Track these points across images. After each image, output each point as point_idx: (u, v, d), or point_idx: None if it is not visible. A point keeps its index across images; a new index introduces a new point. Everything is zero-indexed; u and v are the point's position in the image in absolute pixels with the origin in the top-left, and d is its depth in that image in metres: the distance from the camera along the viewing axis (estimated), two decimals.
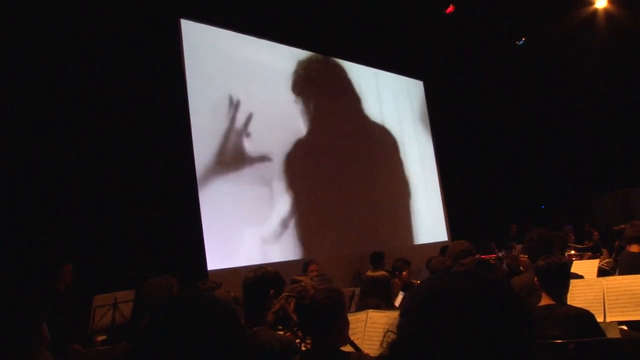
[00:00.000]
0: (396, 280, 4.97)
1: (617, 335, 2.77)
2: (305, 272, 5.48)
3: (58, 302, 4.41)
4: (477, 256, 4.73)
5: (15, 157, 5.07)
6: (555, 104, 11.61)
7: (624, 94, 10.85)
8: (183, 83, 6.56)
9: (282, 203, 7.49)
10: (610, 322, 3.17)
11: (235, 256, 6.65)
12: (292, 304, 2.12)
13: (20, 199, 5.02)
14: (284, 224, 7.44)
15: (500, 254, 6.45)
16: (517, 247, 6.16)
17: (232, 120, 7.11)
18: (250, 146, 7.24)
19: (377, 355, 2.00)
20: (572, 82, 10.99)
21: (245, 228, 6.89)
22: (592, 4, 9.77)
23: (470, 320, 0.80)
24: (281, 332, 2.43)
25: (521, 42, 10.36)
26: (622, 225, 6.32)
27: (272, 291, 2.59)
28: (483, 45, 9.94)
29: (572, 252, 6.24)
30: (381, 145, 9.44)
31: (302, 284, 2.16)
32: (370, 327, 2.91)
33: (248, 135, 7.25)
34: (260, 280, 2.63)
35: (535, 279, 3.01)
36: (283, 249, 7.31)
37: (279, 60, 8.02)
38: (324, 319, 2.03)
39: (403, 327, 0.85)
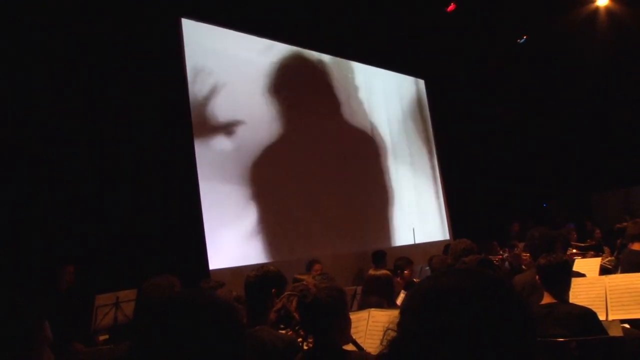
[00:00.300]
0: (398, 279, 4.96)
1: (619, 333, 2.77)
2: (309, 271, 5.48)
3: (60, 302, 4.42)
4: (480, 255, 4.72)
5: (17, 158, 5.08)
6: (556, 102, 11.59)
7: (625, 92, 10.82)
8: (184, 82, 6.57)
9: (284, 202, 7.49)
10: (613, 320, 3.17)
11: (237, 255, 6.65)
12: (294, 303, 2.12)
13: (22, 199, 5.03)
14: (286, 223, 7.44)
15: (502, 254, 6.45)
16: (520, 245, 6.16)
17: (234, 119, 7.11)
18: (252, 145, 7.24)
19: (377, 354, 2.01)
20: (573, 80, 10.97)
21: (246, 227, 6.89)
22: (593, 2, 9.75)
23: (471, 318, 0.79)
24: (283, 331, 2.43)
25: (522, 41, 10.34)
26: (625, 224, 6.31)
27: (274, 290, 2.59)
28: (484, 43, 9.93)
29: (574, 250, 6.24)
30: (381, 145, 9.43)
31: (304, 282, 2.15)
32: (373, 325, 2.91)
33: (250, 134, 7.24)
34: (262, 279, 2.63)
35: (537, 277, 3.00)
36: (285, 248, 7.31)
37: (279, 59, 8.02)
38: (326, 318, 2.03)
39: (403, 325, 0.85)
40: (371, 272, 4.01)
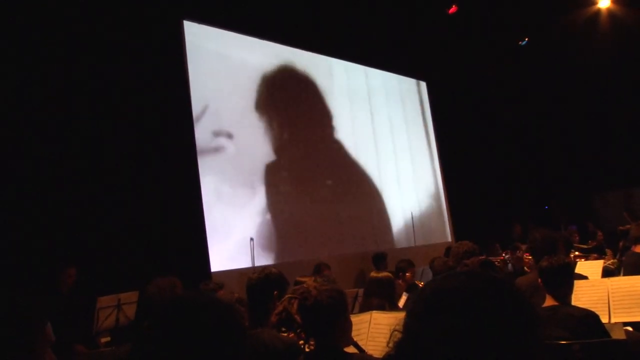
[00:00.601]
0: (399, 281, 4.96)
1: (622, 336, 2.76)
2: (318, 275, 5.45)
3: (62, 304, 4.42)
4: (482, 257, 4.72)
5: (18, 159, 5.08)
6: (558, 104, 11.58)
7: (627, 94, 10.81)
8: (186, 84, 6.58)
9: (287, 204, 7.49)
10: (615, 322, 3.16)
11: (239, 257, 6.65)
12: (295, 305, 2.12)
13: (24, 200, 5.03)
14: (288, 225, 7.44)
15: (505, 255, 6.44)
16: (522, 247, 6.14)
17: (235, 121, 7.12)
18: (254, 147, 7.25)
19: (382, 355, 2.00)
20: (575, 82, 10.96)
21: (248, 229, 6.89)
22: (595, 3, 9.75)
23: (477, 319, 0.80)
24: (285, 334, 2.43)
25: (524, 43, 10.34)
26: (627, 226, 6.30)
27: (275, 292, 2.59)
28: (486, 45, 9.92)
29: (577, 252, 6.22)
30: (382, 147, 9.43)
31: (305, 285, 2.15)
32: (374, 328, 2.91)
33: (252, 136, 7.25)
34: (264, 281, 2.63)
35: (539, 279, 2.99)
36: (287, 250, 7.30)
37: (281, 61, 8.02)
38: (327, 320, 2.03)
39: (409, 326, 0.85)
40: (373, 274, 4.01)
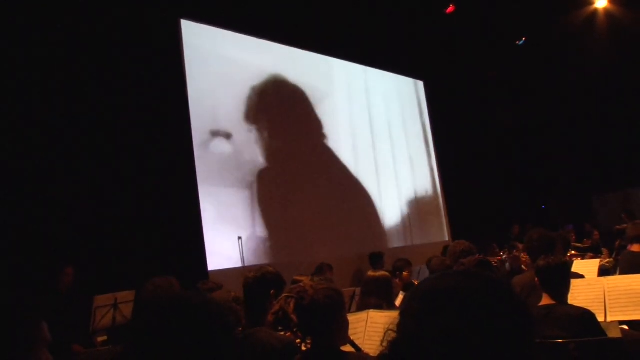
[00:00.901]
0: (397, 280, 4.96)
1: (618, 335, 2.77)
2: (320, 274, 5.45)
3: (59, 303, 4.41)
4: (478, 256, 4.72)
5: (16, 158, 5.07)
6: (555, 104, 11.60)
7: (624, 94, 10.83)
8: (183, 83, 6.57)
9: (284, 204, 7.49)
10: (611, 321, 3.16)
11: (236, 257, 6.64)
12: (291, 305, 2.12)
13: (21, 199, 5.02)
14: (286, 225, 7.44)
15: (502, 255, 6.45)
16: (520, 246, 6.15)
17: (233, 121, 7.11)
18: (251, 147, 7.24)
19: (377, 355, 2.01)
20: (572, 82, 10.98)
21: (246, 229, 6.89)
22: (592, 3, 9.77)
23: (470, 319, 0.80)
24: (281, 333, 2.43)
25: (521, 42, 10.36)
26: (624, 225, 6.32)
27: (272, 291, 2.59)
28: (483, 45, 9.93)
29: (573, 252, 6.24)
30: (380, 147, 9.43)
31: (302, 284, 2.15)
32: (371, 327, 2.91)
33: (249, 136, 7.25)
34: (261, 280, 2.63)
35: (536, 278, 3.00)
36: (284, 250, 7.30)
37: (279, 60, 8.02)
38: (324, 319, 2.03)
39: (403, 326, 0.85)
40: (370, 273, 4.01)
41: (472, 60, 10.23)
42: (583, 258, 5.90)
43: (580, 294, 3.39)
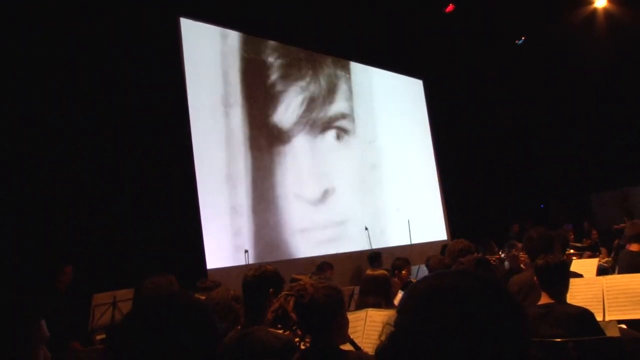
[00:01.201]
0: (395, 279, 4.96)
1: (617, 333, 2.77)
2: (321, 273, 5.45)
3: (58, 301, 4.41)
4: (477, 255, 4.72)
5: (16, 157, 5.07)
6: (554, 103, 11.61)
7: (623, 93, 10.84)
8: (182, 81, 6.56)
9: (284, 203, 7.49)
10: (610, 320, 3.17)
11: (235, 255, 6.64)
12: (291, 303, 2.12)
13: (21, 199, 5.01)
14: (285, 223, 7.44)
15: (501, 254, 6.45)
16: (519, 245, 6.15)
17: (232, 118, 7.11)
18: (249, 145, 7.24)
19: (375, 348, 2.02)
20: (571, 81, 10.98)
21: (244, 227, 6.89)
22: (591, 3, 9.77)
23: (466, 317, 0.81)
24: (280, 331, 2.43)
25: (520, 42, 10.36)
26: (622, 225, 6.33)
27: (271, 290, 2.59)
28: (483, 44, 9.93)
29: (572, 251, 6.24)
30: (379, 145, 9.43)
31: (302, 282, 2.15)
32: (370, 325, 2.91)
33: (247, 134, 7.24)
34: (260, 279, 2.62)
35: (535, 277, 3.00)
36: (282, 248, 7.30)
37: (278, 58, 8.01)
38: (323, 318, 2.03)
39: (400, 322, 0.86)
40: (369, 272, 4.01)
41: (471, 59, 10.23)
42: (581, 257, 5.91)
43: (578, 293, 3.39)
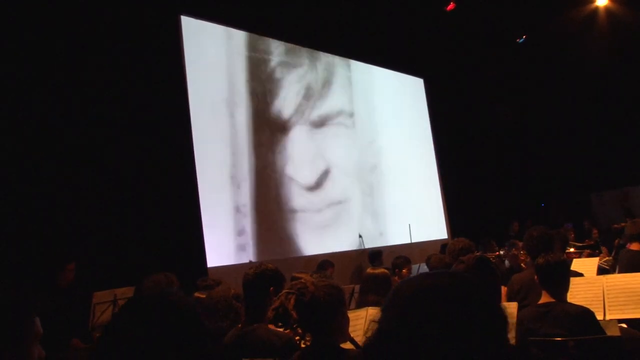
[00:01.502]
0: (396, 277, 4.96)
1: (617, 333, 2.77)
2: (322, 272, 5.45)
3: (59, 299, 4.41)
4: (477, 253, 4.72)
5: (17, 156, 5.06)
6: (555, 102, 11.60)
7: (624, 92, 10.83)
8: (183, 80, 6.55)
9: (284, 201, 7.49)
10: (610, 319, 3.17)
11: (235, 253, 6.65)
12: (292, 301, 2.12)
13: (23, 197, 5.01)
14: (285, 221, 7.44)
15: (501, 252, 6.45)
16: (520, 244, 6.15)
17: (233, 117, 7.11)
18: (250, 143, 7.23)
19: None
20: (572, 80, 10.97)
21: (245, 225, 6.89)
22: (593, 1, 9.75)
23: (445, 317, 0.83)
24: (281, 329, 2.43)
25: (522, 40, 10.34)
26: (623, 224, 6.32)
27: (271, 288, 2.59)
28: (484, 42, 9.92)
29: (571, 249, 6.24)
30: (379, 144, 9.43)
31: (302, 281, 2.15)
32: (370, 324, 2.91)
33: (248, 132, 7.24)
34: (260, 277, 2.63)
35: (535, 276, 3.00)
36: (283, 246, 7.31)
37: (277, 57, 8.01)
38: (324, 316, 2.03)
39: (384, 320, 0.89)
40: (369, 270, 4.02)
41: (472, 57, 10.21)
42: (580, 256, 5.91)
43: (579, 292, 3.40)
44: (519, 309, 2.88)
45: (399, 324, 0.85)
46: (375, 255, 7.41)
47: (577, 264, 4.39)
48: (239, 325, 2.58)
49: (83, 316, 4.48)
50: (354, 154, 8.81)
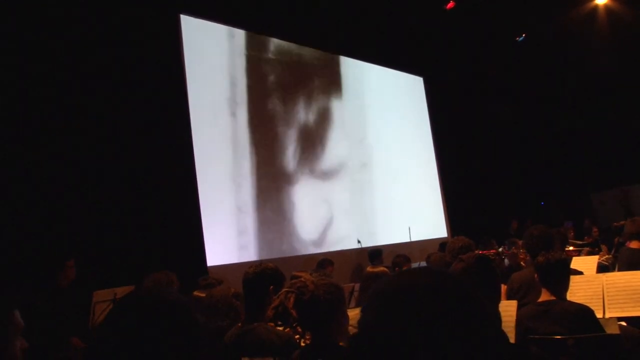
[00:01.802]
0: None
1: (616, 331, 2.78)
2: (322, 270, 5.45)
3: (59, 298, 4.40)
4: (477, 252, 4.72)
5: (17, 154, 5.06)
6: (554, 100, 11.60)
7: (624, 91, 10.83)
8: (183, 79, 6.55)
9: (284, 200, 7.49)
10: (610, 318, 3.18)
11: (235, 252, 6.65)
12: (291, 300, 2.12)
13: (23, 195, 5.01)
14: (284, 220, 7.44)
15: (500, 250, 6.45)
16: (519, 242, 6.15)
17: (233, 117, 7.11)
18: (250, 142, 7.23)
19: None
20: (572, 79, 10.97)
21: (245, 224, 6.89)
22: (592, 0, 9.75)
23: (422, 317, 0.80)
24: (281, 328, 2.43)
25: (521, 39, 10.34)
26: (622, 222, 6.32)
27: (271, 287, 2.59)
28: (483, 41, 9.92)
29: (571, 248, 6.25)
30: (379, 142, 9.43)
31: (302, 279, 2.15)
32: None
33: (248, 132, 7.24)
34: (260, 276, 2.63)
35: (535, 275, 3.01)
36: (283, 245, 7.31)
37: (277, 56, 8.01)
38: (324, 315, 2.03)
39: (362, 322, 0.87)
40: (369, 269, 4.02)
41: (472, 56, 10.21)
42: (579, 254, 5.91)
43: (579, 290, 3.40)
44: (519, 307, 2.88)
45: (374, 324, 0.83)
46: (375, 253, 7.41)
47: (576, 262, 4.39)
48: (239, 324, 2.58)
49: (83, 315, 4.48)
50: (354, 152, 8.81)
